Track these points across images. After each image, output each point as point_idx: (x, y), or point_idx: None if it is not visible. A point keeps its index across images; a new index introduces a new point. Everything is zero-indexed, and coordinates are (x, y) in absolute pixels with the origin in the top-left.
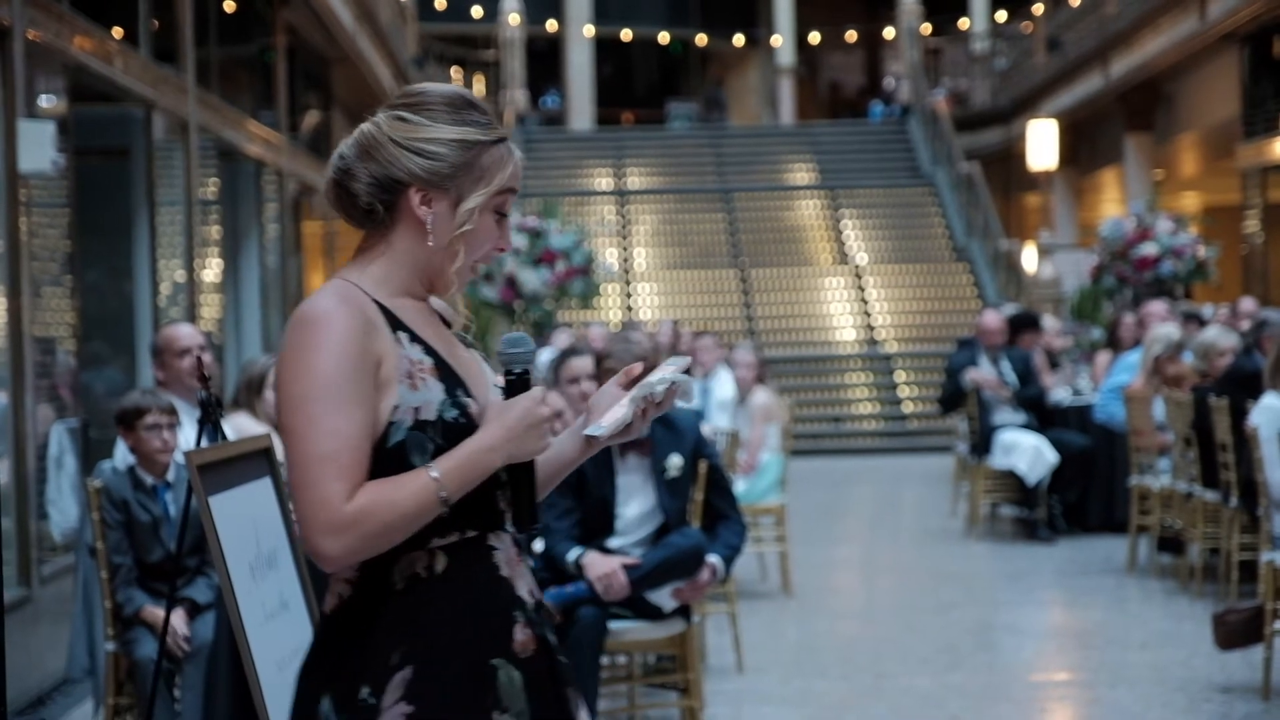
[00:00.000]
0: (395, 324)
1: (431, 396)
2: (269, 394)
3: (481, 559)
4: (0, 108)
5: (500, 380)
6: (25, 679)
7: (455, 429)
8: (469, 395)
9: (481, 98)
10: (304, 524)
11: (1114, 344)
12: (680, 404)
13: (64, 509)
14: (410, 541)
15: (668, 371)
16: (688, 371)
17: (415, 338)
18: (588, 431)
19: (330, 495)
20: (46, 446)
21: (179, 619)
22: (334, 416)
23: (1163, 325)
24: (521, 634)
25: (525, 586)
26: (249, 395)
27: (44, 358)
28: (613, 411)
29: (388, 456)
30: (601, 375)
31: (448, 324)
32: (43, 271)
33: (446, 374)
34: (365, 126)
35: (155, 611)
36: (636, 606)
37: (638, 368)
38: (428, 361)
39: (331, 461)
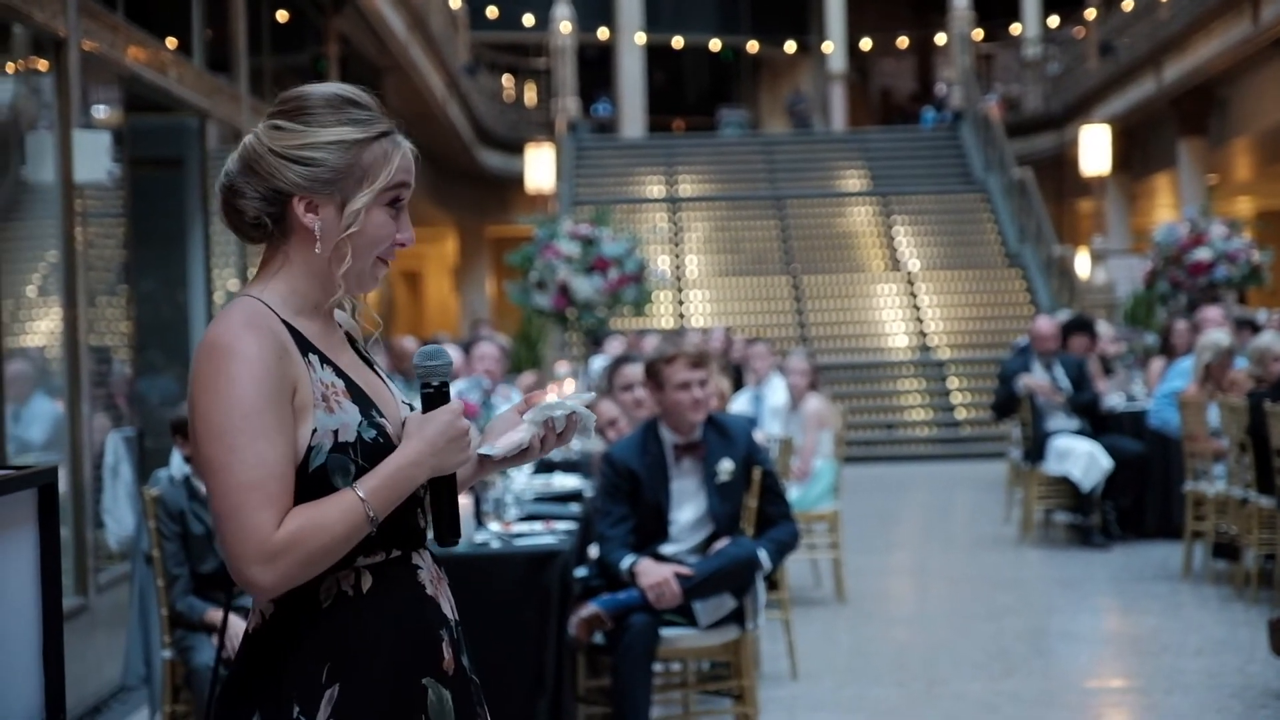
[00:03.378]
0: (306, 346)
1: (348, 418)
2: None
3: (406, 578)
4: (56, 118)
5: (407, 401)
6: (83, 687)
7: (375, 448)
8: (382, 416)
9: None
10: (233, 555)
11: (1168, 350)
12: (579, 441)
13: (120, 517)
14: (337, 561)
15: (570, 400)
16: (591, 407)
17: (325, 360)
18: (481, 450)
19: (259, 524)
20: (103, 455)
21: (241, 621)
22: (256, 444)
23: (1213, 332)
24: (447, 653)
25: (448, 604)
26: None
27: (100, 367)
28: (510, 434)
29: (310, 481)
30: (649, 380)
31: (354, 341)
32: (98, 281)
33: (359, 395)
34: (247, 139)
35: (220, 614)
36: (689, 614)
37: (539, 395)
38: (340, 384)
39: (257, 490)
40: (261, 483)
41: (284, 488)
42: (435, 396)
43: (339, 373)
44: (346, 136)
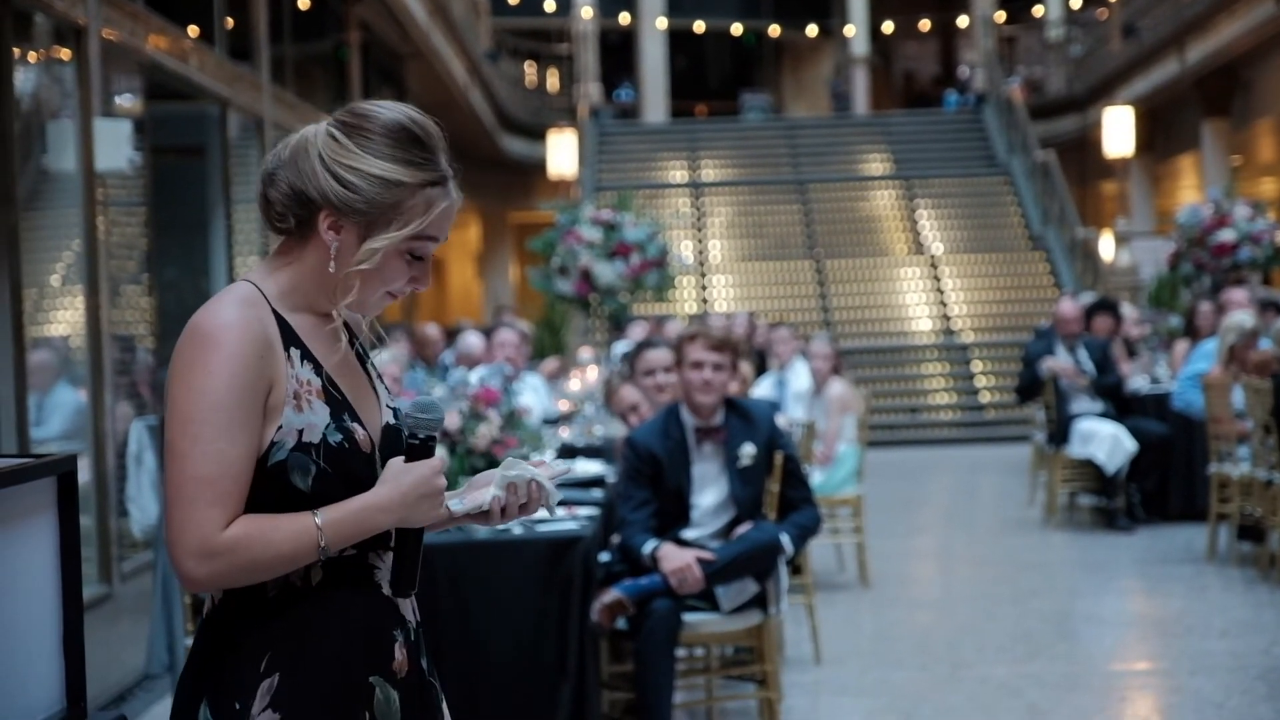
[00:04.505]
0: (289, 339)
1: (315, 419)
2: None
3: (360, 576)
4: (77, 107)
5: (392, 406)
6: (106, 675)
7: (339, 452)
8: (355, 420)
9: (431, 133)
10: (173, 543)
11: (1192, 332)
12: (543, 512)
13: (143, 506)
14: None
15: (545, 472)
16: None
17: (307, 355)
18: (448, 501)
19: (204, 520)
20: (126, 444)
21: None
22: (219, 440)
23: (1237, 313)
24: (399, 653)
25: (409, 606)
26: None
27: (122, 355)
28: (478, 493)
29: (267, 475)
30: (679, 360)
31: (353, 336)
32: (120, 270)
33: (333, 397)
34: (307, 129)
35: None
36: (711, 599)
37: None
38: (316, 382)
39: (211, 486)
40: (216, 479)
41: (238, 488)
42: (419, 449)
43: (318, 370)
44: (392, 175)
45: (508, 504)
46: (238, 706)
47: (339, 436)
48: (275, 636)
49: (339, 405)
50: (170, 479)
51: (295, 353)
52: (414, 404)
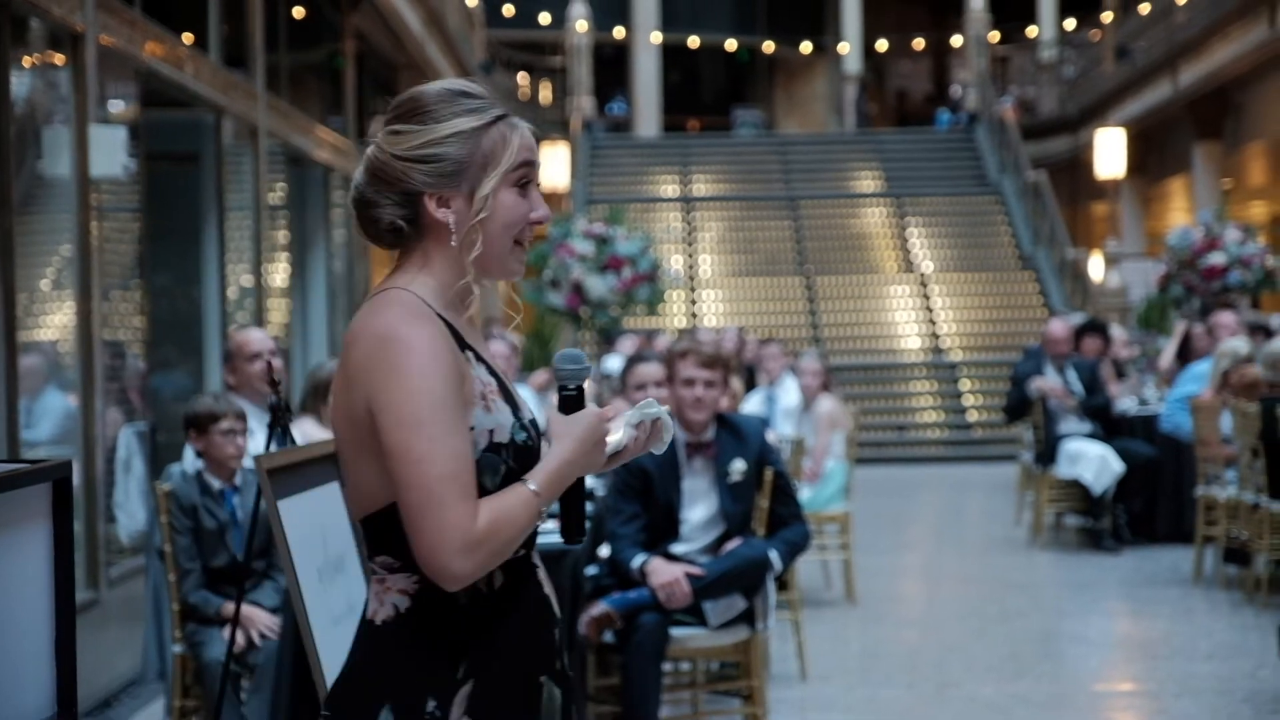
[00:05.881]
0: (461, 343)
1: (503, 419)
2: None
3: (529, 576)
4: (72, 113)
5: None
6: (93, 681)
7: (524, 451)
8: (528, 418)
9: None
10: (433, 546)
11: (1183, 354)
12: (655, 450)
13: (132, 512)
14: None
15: (657, 407)
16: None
17: (479, 358)
18: None
19: (461, 515)
20: (115, 449)
21: (261, 611)
22: (452, 436)
23: (1231, 339)
24: (558, 651)
25: (555, 603)
26: (315, 401)
27: (113, 361)
28: (614, 436)
29: None
30: (670, 375)
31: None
32: (113, 275)
33: (509, 397)
34: (369, 151)
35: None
36: (699, 614)
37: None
38: (493, 383)
39: (456, 481)
40: (459, 474)
41: (473, 479)
42: (574, 399)
43: (491, 371)
44: (463, 127)
45: (637, 438)
46: (433, 708)
47: (524, 435)
48: (469, 642)
49: (514, 404)
50: (412, 484)
51: (470, 354)
52: (561, 356)
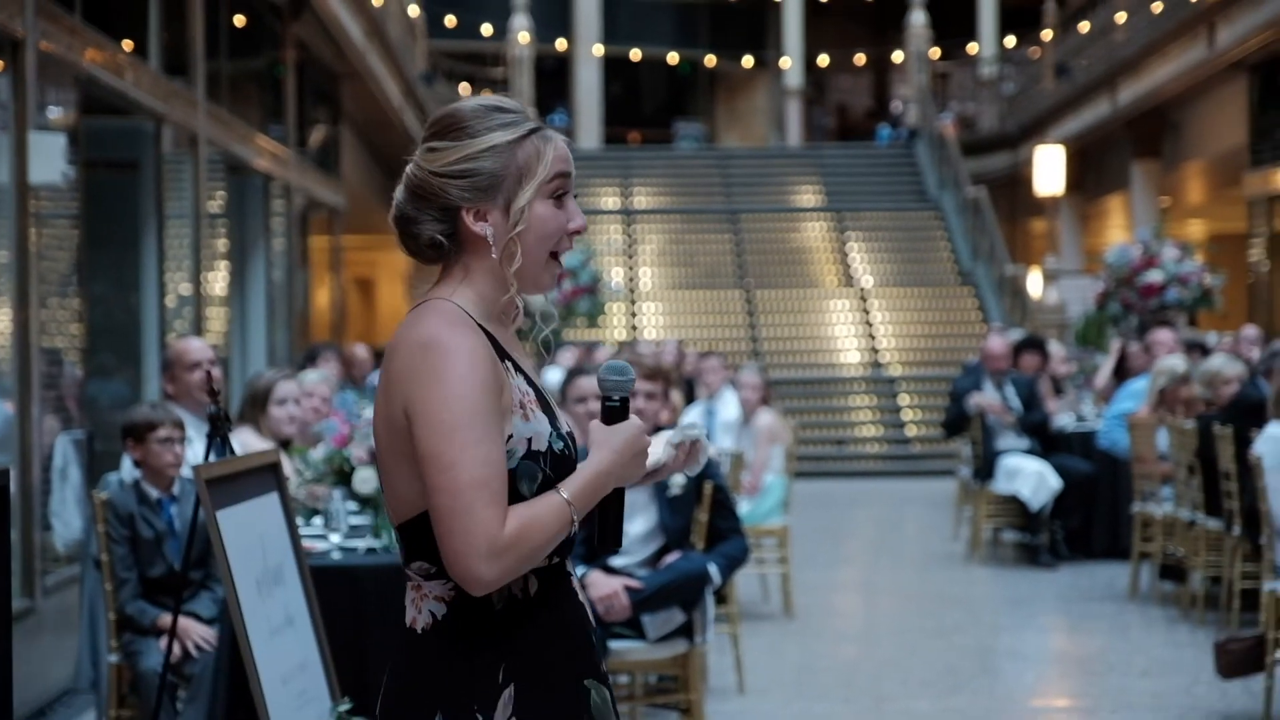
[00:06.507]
0: (500, 353)
1: (541, 428)
2: (274, 410)
3: (563, 583)
4: (11, 119)
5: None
6: (27, 690)
7: (562, 460)
8: (565, 427)
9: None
10: (460, 550)
11: (1120, 372)
12: (689, 472)
13: (67, 520)
14: None
15: (698, 428)
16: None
17: (517, 368)
18: None
19: (488, 521)
20: (51, 457)
21: (196, 622)
22: (484, 443)
23: (1169, 357)
24: (598, 654)
25: (589, 610)
26: (254, 410)
27: (50, 369)
28: (655, 453)
29: None
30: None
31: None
32: (51, 283)
33: (547, 406)
34: (408, 169)
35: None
36: (637, 627)
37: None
38: (531, 392)
39: (486, 487)
40: (489, 480)
41: (504, 486)
42: (617, 410)
43: (529, 381)
44: (497, 141)
45: (674, 459)
46: (478, 713)
47: (561, 444)
48: (507, 648)
49: (552, 413)
50: (441, 489)
51: (509, 364)
52: (606, 368)
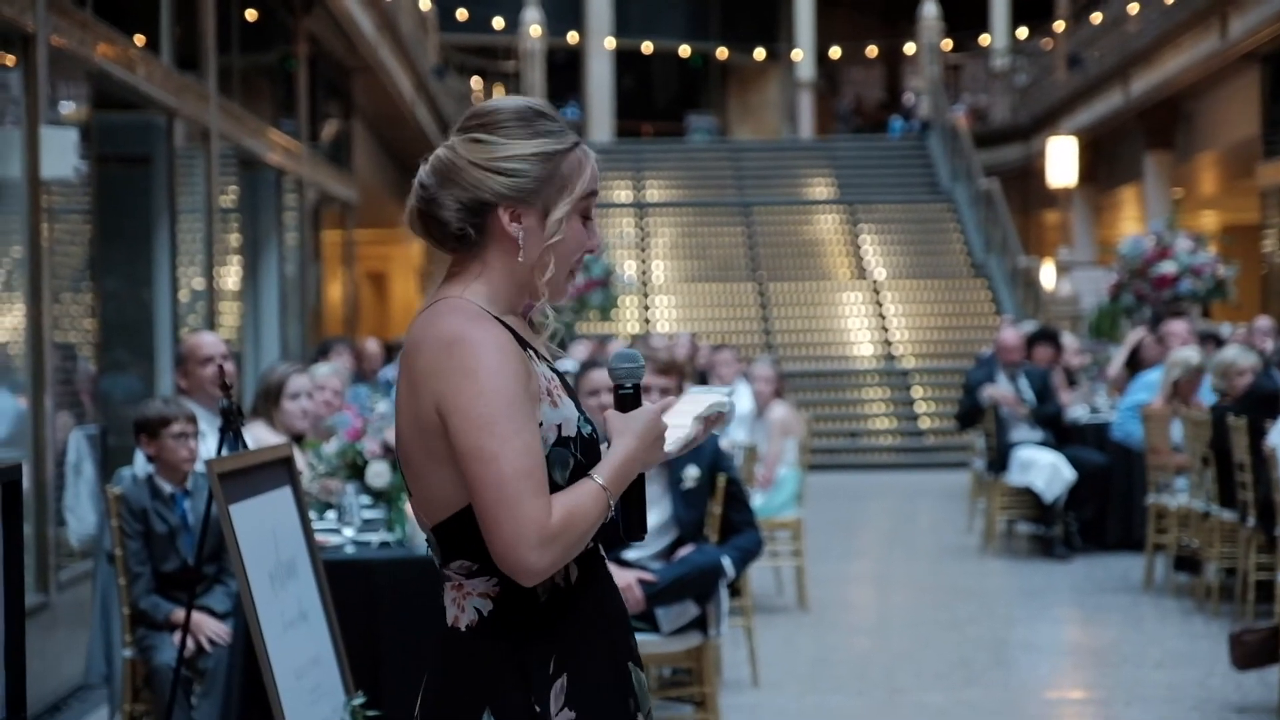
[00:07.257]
0: (522, 343)
1: (569, 413)
2: (287, 404)
3: (599, 568)
4: (23, 114)
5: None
6: (42, 685)
7: (590, 444)
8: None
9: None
10: (511, 541)
11: (1133, 363)
12: (715, 431)
13: (81, 515)
14: None
15: (721, 396)
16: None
17: (539, 355)
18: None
19: (536, 510)
20: (65, 453)
21: (209, 618)
22: (523, 434)
23: (1183, 349)
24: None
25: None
26: (267, 405)
27: (64, 364)
28: (676, 431)
29: None
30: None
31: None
32: (63, 278)
33: (570, 391)
34: (441, 153)
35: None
36: (651, 620)
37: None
38: (555, 379)
39: (530, 477)
40: (532, 470)
41: (545, 474)
42: (631, 397)
43: (552, 368)
44: (547, 148)
45: (700, 432)
46: (538, 710)
47: (589, 428)
48: (556, 638)
49: (575, 398)
50: (486, 482)
51: (531, 353)
52: (616, 356)
